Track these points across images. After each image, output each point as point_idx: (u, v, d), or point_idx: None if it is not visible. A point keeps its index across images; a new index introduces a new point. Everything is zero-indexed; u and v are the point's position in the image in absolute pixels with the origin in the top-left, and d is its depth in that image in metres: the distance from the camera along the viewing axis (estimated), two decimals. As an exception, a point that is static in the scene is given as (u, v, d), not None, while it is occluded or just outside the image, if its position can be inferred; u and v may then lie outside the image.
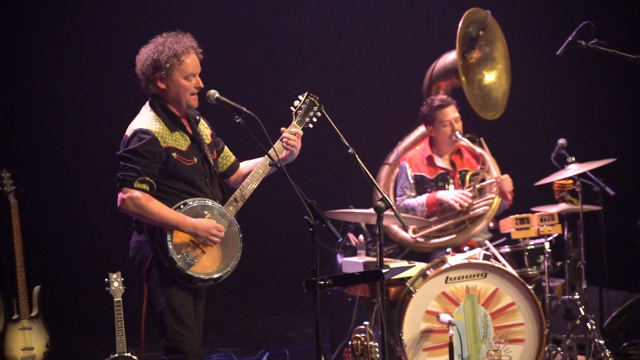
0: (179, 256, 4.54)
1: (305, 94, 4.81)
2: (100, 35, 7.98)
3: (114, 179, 4.57)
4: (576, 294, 6.34)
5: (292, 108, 4.81)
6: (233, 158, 4.98)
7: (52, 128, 7.94)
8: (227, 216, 4.66)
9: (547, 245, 6.17)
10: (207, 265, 4.61)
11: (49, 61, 7.87)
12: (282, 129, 4.76)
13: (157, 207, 4.52)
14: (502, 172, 6.52)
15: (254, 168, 4.79)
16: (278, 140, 4.74)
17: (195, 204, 4.61)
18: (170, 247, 4.53)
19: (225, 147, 4.96)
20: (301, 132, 4.78)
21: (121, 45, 7.37)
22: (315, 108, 4.79)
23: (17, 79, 7.80)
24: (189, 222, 4.55)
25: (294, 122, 4.78)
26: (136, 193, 4.49)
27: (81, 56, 7.94)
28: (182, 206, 4.59)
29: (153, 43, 4.65)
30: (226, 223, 4.65)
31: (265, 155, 4.64)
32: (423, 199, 6.48)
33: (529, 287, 5.96)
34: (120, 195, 4.52)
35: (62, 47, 7.91)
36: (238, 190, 4.69)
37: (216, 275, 4.63)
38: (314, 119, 4.80)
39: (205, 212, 4.62)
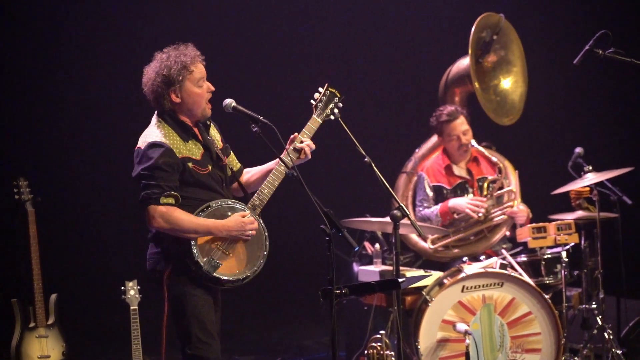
0: (205, 259, 4.56)
1: (325, 86, 4.82)
2: (118, 43, 8.00)
3: (138, 198, 4.55)
4: (593, 303, 6.31)
5: (312, 101, 4.80)
6: (238, 166, 5.00)
7: (69, 136, 7.95)
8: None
9: (564, 254, 6.14)
10: (234, 266, 4.63)
11: (66, 69, 7.90)
12: (295, 134, 4.76)
13: (187, 218, 4.54)
14: (521, 180, 6.50)
15: (256, 178, 4.87)
16: (291, 148, 4.73)
17: (219, 206, 4.63)
18: (196, 251, 4.55)
19: (232, 154, 4.98)
20: (313, 146, 4.76)
21: (140, 54, 7.40)
22: (336, 99, 4.80)
23: (34, 87, 7.82)
24: (220, 226, 4.57)
25: (314, 116, 4.79)
26: (163, 208, 4.51)
27: (100, 65, 7.96)
28: (205, 209, 4.61)
29: (157, 60, 4.67)
30: None
31: (280, 162, 4.64)
32: (437, 208, 6.47)
33: (546, 296, 5.94)
34: (149, 215, 4.52)
35: (80, 56, 7.93)
36: (255, 196, 4.70)
37: (243, 276, 4.64)
38: (335, 110, 4.79)
39: (229, 213, 4.64)
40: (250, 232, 4.62)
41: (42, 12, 7.75)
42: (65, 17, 7.84)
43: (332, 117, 4.79)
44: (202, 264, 4.55)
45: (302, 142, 4.74)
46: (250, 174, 4.96)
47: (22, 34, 7.71)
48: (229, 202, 4.67)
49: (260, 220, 4.72)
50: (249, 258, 4.68)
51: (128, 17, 8.01)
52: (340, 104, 4.80)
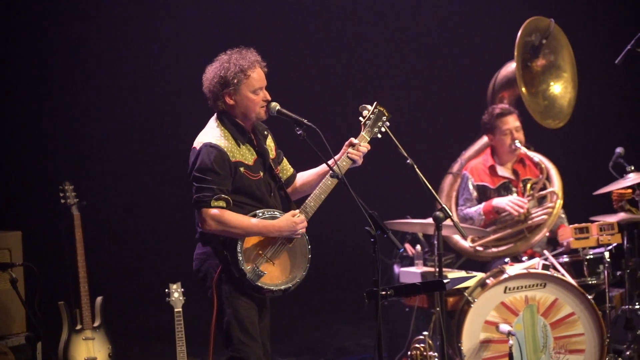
0: (249, 267, 4.60)
1: (374, 104, 4.82)
2: (165, 46, 8.08)
3: (191, 201, 4.63)
4: (637, 304, 6.28)
5: (360, 119, 4.81)
6: (291, 171, 5.03)
7: (113, 139, 8.05)
8: None
9: (606, 254, 6.12)
10: (276, 276, 4.67)
11: (110, 72, 7.98)
12: (351, 139, 4.79)
13: (237, 219, 4.60)
14: (562, 180, 6.49)
15: (310, 179, 4.88)
16: (340, 154, 4.76)
17: (266, 215, 4.67)
18: (241, 258, 4.59)
19: (284, 160, 5.01)
20: (369, 147, 4.79)
21: (187, 58, 7.50)
22: (384, 118, 4.80)
23: (79, 91, 7.92)
24: (270, 226, 4.62)
25: (363, 133, 4.79)
26: (214, 211, 4.57)
27: (143, 69, 8.05)
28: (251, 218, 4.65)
29: (218, 61, 4.72)
30: None
31: (329, 169, 4.65)
32: (480, 207, 6.48)
33: (589, 296, 5.92)
34: (201, 217, 4.59)
35: (125, 58, 8.02)
36: (304, 204, 4.73)
37: (285, 287, 4.69)
38: (382, 129, 4.79)
39: None
40: (301, 230, 4.66)
41: (90, 18, 7.86)
42: (117, 19, 7.93)
43: (379, 135, 4.81)
44: (246, 272, 4.60)
45: (359, 149, 4.75)
46: (302, 178, 4.99)
47: (67, 39, 7.82)
48: (276, 213, 4.71)
49: (305, 233, 4.75)
50: (291, 268, 4.73)
51: (182, 22, 8.09)
52: (388, 123, 4.80)
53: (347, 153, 4.75)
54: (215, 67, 4.71)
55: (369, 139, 4.80)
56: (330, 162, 4.62)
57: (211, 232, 4.62)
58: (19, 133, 7.73)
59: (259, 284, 4.63)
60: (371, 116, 4.80)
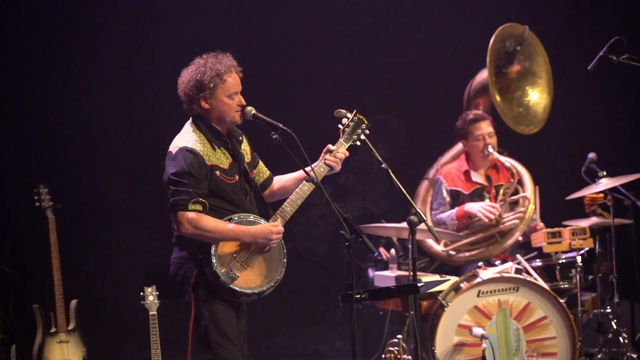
0: (223, 270, 4.62)
1: (354, 112, 4.84)
2: (142, 53, 8.07)
3: (167, 204, 4.63)
4: (608, 307, 6.35)
5: (339, 126, 4.82)
6: (267, 173, 5.04)
7: (88, 143, 8.03)
8: None
9: (579, 258, 6.18)
10: (251, 280, 4.68)
11: (87, 78, 7.97)
12: (329, 146, 4.80)
13: (213, 223, 4.60)
14: (535, 184, 6.55)
15: (288, 184, 4.89)
16: (319, 161, 4.78)
17: (240, 220, 4.69)
18: (214, 261, 4.60)
19: (260, 162, 5.03)
20: (346, 154, 4.81)
21: (163, 63, 7.49)
22: (363, 126, 4.82)
23: (54, 94, 7.90)
24: (246, 231, 4.63)
25: (341, 140, 4.81)
26: (191, 215, 4.57)
27: (120, 73, 8.03)
28: (227, 222, 4.66)
29: (194, 64, 4.73)
30: None
31: (304, 173, 4.67)
32: (453, 211, 6.52)
33: (561, 300, 5.99)
34: (177, 220, 4.59)
35: (102, 64, 8.00)
36: (281, 208, 4.75)
37: (259, 290, 4.69)
38: (362, 137, 4.81)
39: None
40: (274, 241, 4.67)
41: (66, 22, 7.83)
42: (91, 26, 7.91)
43: (358, 142, 4.83)
44: (220, 274, 4.61)
45: (336, 155, 4.76)
46: (281, 182, 5.01)
47: (43, 41, 7.79)
48: (251, 218, 4.72)
49: (280, 237, 4.77)
50: (267, 273, 4.73)
51: (157, 30, 8.08)
52: (367, 131, 4.81)
53: (325, 160, 4.77)
54: (191, 71, 4.72)
55: (347, 146, 4.82)
56: (307, 168, 4.64)
57: (187, 236, 4.62)
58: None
59: (233, 287, 4.64)
60: (350, 123, 4.82)
